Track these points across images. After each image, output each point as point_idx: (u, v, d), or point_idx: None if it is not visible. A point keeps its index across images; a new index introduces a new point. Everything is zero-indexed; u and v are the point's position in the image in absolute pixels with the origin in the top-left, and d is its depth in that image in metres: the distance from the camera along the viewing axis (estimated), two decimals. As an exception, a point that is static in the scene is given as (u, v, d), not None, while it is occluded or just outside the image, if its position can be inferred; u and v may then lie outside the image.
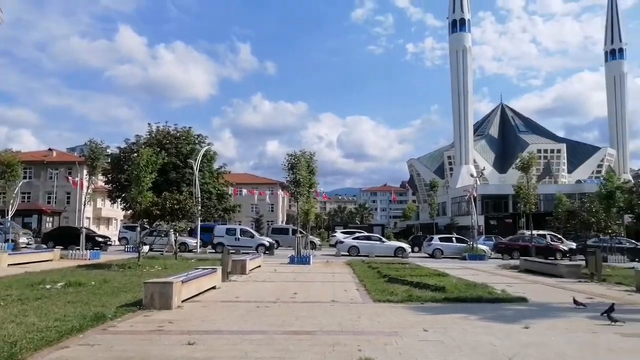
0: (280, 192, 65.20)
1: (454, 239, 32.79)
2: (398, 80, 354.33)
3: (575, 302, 9.65)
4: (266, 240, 31.74)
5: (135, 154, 21.27)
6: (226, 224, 40.74)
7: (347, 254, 29.70)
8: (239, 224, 46.62)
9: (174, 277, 9.97)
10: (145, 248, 21.94)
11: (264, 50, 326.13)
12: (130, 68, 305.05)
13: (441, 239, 32.54)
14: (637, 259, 27.71)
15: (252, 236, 32.04)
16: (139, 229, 20.74)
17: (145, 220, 20.83)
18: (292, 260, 22.23)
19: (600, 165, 79.51)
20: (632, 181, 38.75)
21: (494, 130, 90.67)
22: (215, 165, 42.48)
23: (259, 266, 19.04)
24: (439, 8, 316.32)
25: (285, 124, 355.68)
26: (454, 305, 9.72)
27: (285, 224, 66.70)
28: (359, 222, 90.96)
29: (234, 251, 18.79)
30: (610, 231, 24.45)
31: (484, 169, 75.96)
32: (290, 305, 9.66)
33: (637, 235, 38.35)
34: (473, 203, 34.75)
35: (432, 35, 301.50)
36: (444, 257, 29.74)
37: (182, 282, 9.45)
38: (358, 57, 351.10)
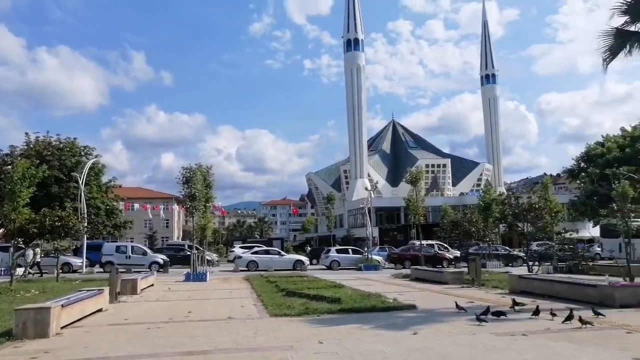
0: (175, 207, 62.64)
1: (350, 250, 33.77)
2: (296, 95, 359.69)
3: (457, 306, 10.39)
4: (160, 258, 30.28)
5: (10, 166, 19.27)
6: (116, 241, 38.26)
7: (246, 269, 29.30)
8: (131, 241, 44.05)
9: (52, 301, 9.10)
10: (20, 270, 19.84)
11: (159, 60, 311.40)
12: (4, 71, 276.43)
13: (338, 251, 33.35)
14: (510, 264, 30.60)
15: (145, 253, 30.40)
16: (12, 249, 18.69)
17: (20, 239, 18.87)
18: (187, 278, 21.41)
19: (479, 179, 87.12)
20: (506, 193, 42.97)
21: (386, 146, 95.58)
22: (105, 179, 39.88)
23: (152, 285, 18.08)
24: (334, 27, 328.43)
25: (181, 136, 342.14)
26: (349, 316, 9.99)
27: (182, 240, 64.24)
28: (258, 236, 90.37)
29: (124, 270, 17.66)
30: (488, 239, 26.81)
31: (377, 182, 79.72)
32: (184, 324, 9.28)
33: (510, 242, 42.53)
34: (368, 215, 36.22)
35: (328, 53, 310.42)
36: (341, 269, 30.48)
37: (62, 306, 8.66)
38: (256, 71, 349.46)
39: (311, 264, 33.73)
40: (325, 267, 31.59)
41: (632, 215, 18.38)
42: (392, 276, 23.03)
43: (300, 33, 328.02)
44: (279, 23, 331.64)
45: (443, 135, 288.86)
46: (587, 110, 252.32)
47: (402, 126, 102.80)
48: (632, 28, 13.00)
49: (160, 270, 27.90)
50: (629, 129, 47.17)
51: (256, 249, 34.89)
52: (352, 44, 78.87)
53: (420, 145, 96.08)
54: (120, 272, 14.91)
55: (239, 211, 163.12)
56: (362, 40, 79.76)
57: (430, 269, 22.43)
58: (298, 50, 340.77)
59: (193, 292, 15.92)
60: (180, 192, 23.41)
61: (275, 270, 27.97)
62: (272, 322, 9.37)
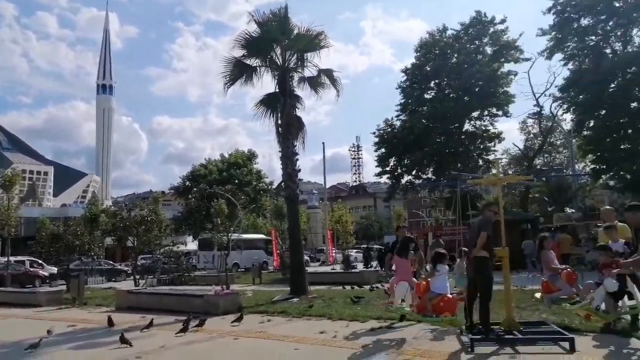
0: None
1: None
2: None
3: (48, 331, 8.62)
4: None
5: None
6: None
7: None
8: None
9: None
10: None
11: None
12: None
13: None
14: (113, 279, 29.34)
15: None
16: None
17: None
18: None
19: (86, 191, 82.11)
20: (113, 207, 41.54)
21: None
22: None
23: None
24: None
25: None
26: None
27: None
28: None
29: None
30: (92, 253, 24.89)
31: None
32: None
33: (114, 256, 41.21)
34: None
35: None
36: None
37: None
38: None
39: None
40: None
41: (231, 229, 20.56)
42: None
43: None
44: None
45: (48, 140, 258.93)
46: (192, 135, 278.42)
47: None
48: (249, 61, 14.67)
49: None
50: (226, 155, 54.29)
51: None
52: None
53: (18, 148, 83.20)
54: None
55: None
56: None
57: (19, 290, 18.89)
58: None
59: None
60: None
61: None
62: None
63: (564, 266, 8.87)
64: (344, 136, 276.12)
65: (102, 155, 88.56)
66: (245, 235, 37.64)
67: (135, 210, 24.06)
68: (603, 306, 6.70)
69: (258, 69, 14.70)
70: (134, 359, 6.74)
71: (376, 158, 38.56)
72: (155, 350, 7.27)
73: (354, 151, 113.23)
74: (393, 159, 37.66)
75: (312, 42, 14.13)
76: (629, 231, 7.14)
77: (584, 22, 29.63)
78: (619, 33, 29.52)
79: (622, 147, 28.53)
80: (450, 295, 7.24)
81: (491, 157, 35.97)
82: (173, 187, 53.52)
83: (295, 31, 14.20)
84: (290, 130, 14.23)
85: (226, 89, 14.33)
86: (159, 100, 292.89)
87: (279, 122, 14.33)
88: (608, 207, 8.84)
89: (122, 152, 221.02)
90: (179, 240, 34.64)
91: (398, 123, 37.76)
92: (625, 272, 6.35)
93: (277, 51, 14.51)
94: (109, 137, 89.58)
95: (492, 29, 35.63)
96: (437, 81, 36.95)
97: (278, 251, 34.33)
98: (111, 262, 33.85)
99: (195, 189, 22.21)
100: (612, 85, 28.07)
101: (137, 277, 22.28)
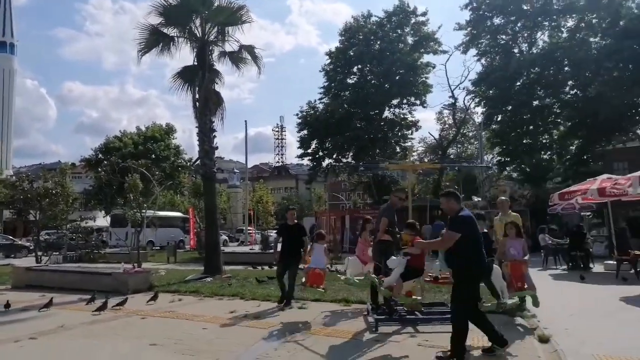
0: None
1: None
2: None
3: None
4: None
5: None
6: None
7: None
8: None
9: None
10: None
11: None
12: None
13: None
14: (13, 255, 27.29)
15: None
16: None
17: None
18: None
19: (-19, 159, 74.88)
20: (15, 177, 38.29)
21: None
22: None
23: None
24: None
25: None
26: None
27: None
28: None
29: None
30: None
31: None
32: None
33: (14, 231, 38.23)
34: None
35: None
36: None
37: None
38: None
39: None
40: None
41: (145, 206, 19.79)
42: None
43: None
44: None
45: None
46: (107, 105, 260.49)
47: None
48: (166, 30, 14.00)
49: None
50: (143, 128, 51.79)
51: None
52: None
53: None
54: None
55: None
56: None
57: None
58: None
59: None
60: None
61: None
62: None
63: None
64: (268, 116, 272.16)
65: (1, 120, 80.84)
66: (161, 213, 36.32)
67: (38, 182, 22.36)
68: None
69: (176, 39, 14.08)
70: (27, 339, 6.35)
71: (298, 140, 38.75)
72: (53, 330, 6.90)
73: (277, 131, 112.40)
74: (315, 141, 38.00)
75: (233, 15, 13.74)
76: (519, 219, 7.82)
77: (497, 21, 31.53)
78: (525, 34, 31.75)
79: (524, 141, 30.92)
80: (319, 270, 7.87)
81: (408, 145, 37.44)
82: (84, 159, 50.38)
83: (216, 3, 13.74)
84: (208, 106, 13.85)
85: (140, 57, 13.62)
86: (70, 65, 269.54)
87: (197, 96, 13.89)
88: (503, 197, 9.50)
89: (26, 119, 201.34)
90: (88, 215, 32.78)
91: (321, 106, 38.12)
92: (414, 252, 6.50)
93: (196, 22, 13.98)
94: (10, 101, 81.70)
95: (413, 20, 36.79)
96: (359, 66, 37.61)
97: (195, 230, 33.56)
98: (10, 237, 31.37)
99: (106, 162, 20.94)
100: (518, 84, 30.23)
101: (40, 253, 20.89)
